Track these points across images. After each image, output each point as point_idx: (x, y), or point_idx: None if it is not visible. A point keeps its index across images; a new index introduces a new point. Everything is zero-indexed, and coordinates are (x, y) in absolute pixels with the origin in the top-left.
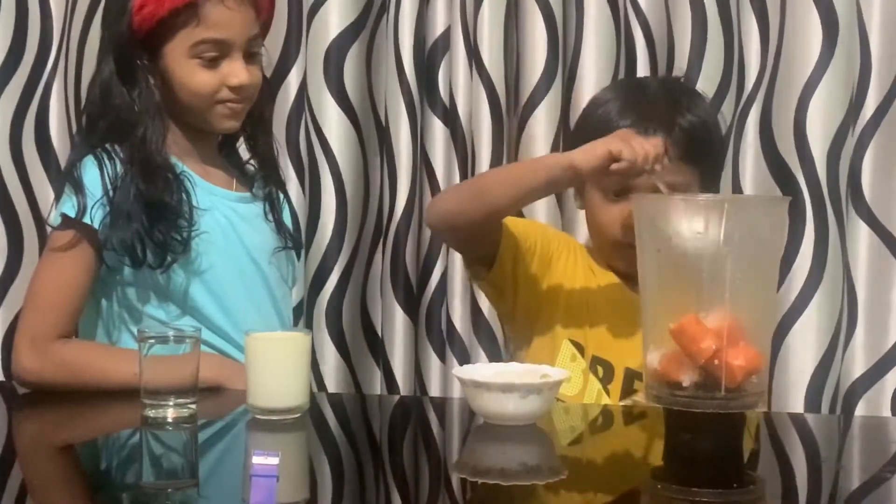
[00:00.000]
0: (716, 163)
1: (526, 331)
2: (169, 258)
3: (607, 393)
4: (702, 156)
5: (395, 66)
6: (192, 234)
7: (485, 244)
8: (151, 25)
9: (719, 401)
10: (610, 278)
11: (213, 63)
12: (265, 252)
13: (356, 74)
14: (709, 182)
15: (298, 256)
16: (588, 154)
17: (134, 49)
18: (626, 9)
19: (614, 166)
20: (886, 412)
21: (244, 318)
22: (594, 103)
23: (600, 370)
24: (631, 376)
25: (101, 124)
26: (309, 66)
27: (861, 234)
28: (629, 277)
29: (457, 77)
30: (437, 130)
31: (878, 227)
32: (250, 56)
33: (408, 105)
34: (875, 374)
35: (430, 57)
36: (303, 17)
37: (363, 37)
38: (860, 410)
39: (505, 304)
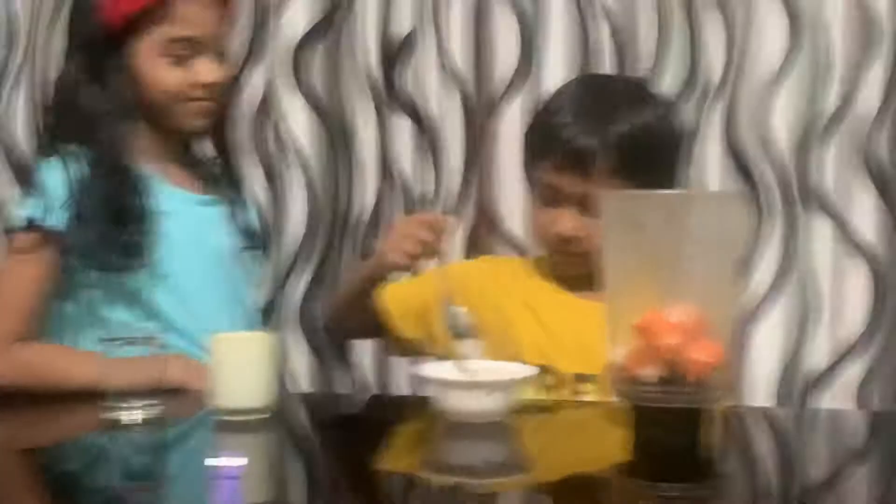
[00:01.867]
0: (657, 173)
1: None
2: (132, 261)
3: None
4: (635, 169)
5: (361, 64)
6: (157, 237)
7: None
8: (123, 23)
9: (684, 395)
10: (546, 286)
11: (183, 61)
12: (229, 253)
13: (323, 72)
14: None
15: (263, 258)
16: (384, 262)
17: (103, 47)
18: (591, 5)
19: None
20: (850, 404)
21: (209, 320)
22: (550, 98)
23: (548, 378)
24: (578, 380)
25: (66, 125)
26: (276, 65)
27: (823, 228)
28: (570, 281)
29: (425, 75)
30: (404, 130)
31: (839, 221)
32: (219, 54)
33: (374, 103)
34: (838, 365)
35: (397, 55)
36: (269, 16)
37: (330, 35)
38: (824, 403)
39: (436, 357)
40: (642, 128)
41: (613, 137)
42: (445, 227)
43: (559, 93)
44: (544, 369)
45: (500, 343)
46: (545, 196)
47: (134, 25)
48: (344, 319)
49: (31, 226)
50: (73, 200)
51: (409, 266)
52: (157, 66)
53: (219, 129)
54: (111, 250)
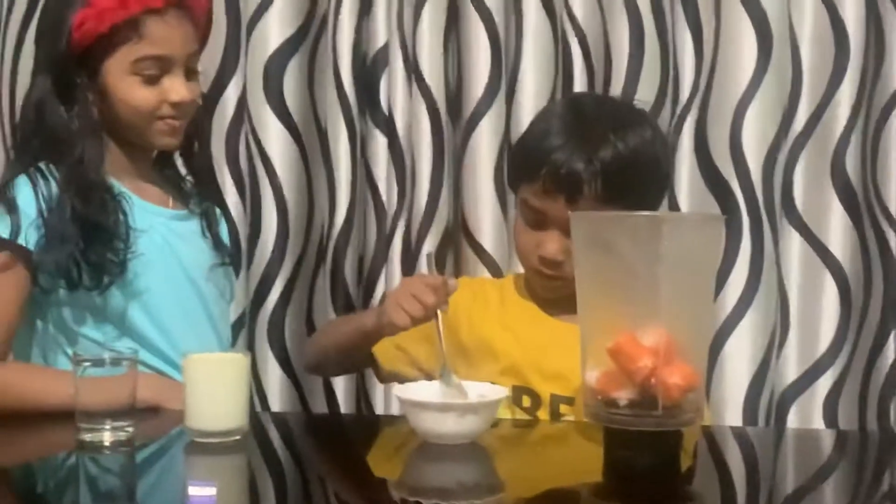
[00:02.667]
0: (644, 196)
1: None
2: (105, 280)
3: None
4: (623, 195)
5: (333, 79)
6: (129, 255)
7: (366, 365)
8: (91, 42)
9: (656, 419)
10: (525, 306)
11: (153, 79)
12: (202, 269)
13: (296, 87)
14: (644, 209)
15: (237, 272)
16: (385, 322)
17: (72, 66)
18: (562, 21)
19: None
20: (817, 417)
21: (182, 337)
22: (537, 118)
23: (526, 399)
24: (557, 402)
25: (35, 143)
26: (248, 79)
27: (793, 244)
28: (549, 303)
29: (396, 90)
30: (379, 143)
31: (809, 237)
32: (189, 72)
33: (347, 118)
34: (806, 380)
35: (370, 70)
36: (241, 31)
37: (303, 50)
38: (792, 416)
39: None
40: (631, 152)
41: (602, 163)
42: (448, 290)
43: (546, 114)
44: (522, 391)
45: (478, 365)
46: (531, 218)
47: (103, 44)
48: (331, 364)
49: (1, 245)
50: (44, 219)
51: (411, 327)
52: (126, 85)
53: (192, 146)
54: (83, 269)
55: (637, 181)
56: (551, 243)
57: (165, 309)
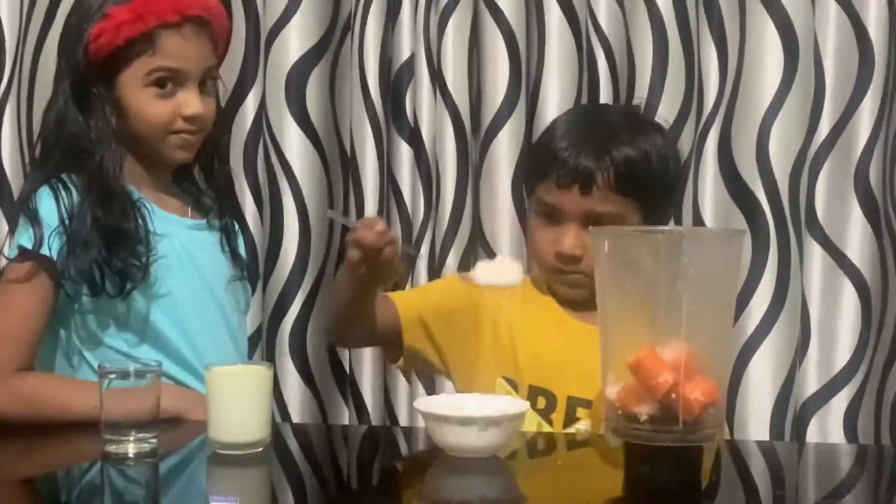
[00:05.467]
0: (656, 197)
1: (465, 380)
2: (128, 285)
3: (549, 423)
4: (635, 189)
5: (360, 89)
6: (151, 259)
7: (388, 339)
8: (107, 54)
9: (677, 434)
10: (547, 304)
11: (167, 93)
12: (221, 280)
13: (318, 97)
14: (655, 215)
15: (253, 286)
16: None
17: (90, 77)
18: (588, 32)
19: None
20: (837, 430)
21: (202, 344)
22: (551, 124)
23: (541, 400)
24: (574, 404)
25: (56, 152)
26: (269, 89)
27: (815, 255)
28: (570, 303)
29: (421, 101)
30: (404, 153)
31: (830, 248)
32: (205, 87)
33: (374, 128)
34: (827, 392)
35: (396, 80)
36: (260, 42)
37: (325, 59)
38: (812, 428)
39: (437, 370)
40: (642, 153)
41: (612, 158)
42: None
43: (558, 121)
44: (537, 391)
45: (497, 364)
46: (546, 215)
47: (119, 56)
48: (344, 326)
49: (25, 255)
50: (66, 227)
51: (366, 261)
52: (141, 97)
53: (211, 159)
54: (106, 275)
55: (649, 178)
56: (568, 237)
57: (186, 315)
